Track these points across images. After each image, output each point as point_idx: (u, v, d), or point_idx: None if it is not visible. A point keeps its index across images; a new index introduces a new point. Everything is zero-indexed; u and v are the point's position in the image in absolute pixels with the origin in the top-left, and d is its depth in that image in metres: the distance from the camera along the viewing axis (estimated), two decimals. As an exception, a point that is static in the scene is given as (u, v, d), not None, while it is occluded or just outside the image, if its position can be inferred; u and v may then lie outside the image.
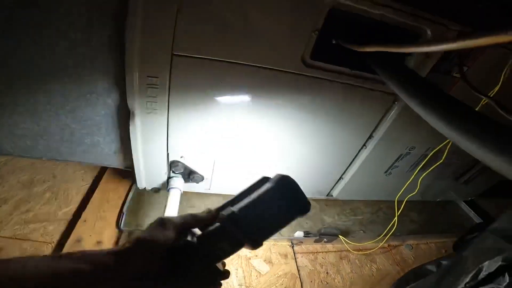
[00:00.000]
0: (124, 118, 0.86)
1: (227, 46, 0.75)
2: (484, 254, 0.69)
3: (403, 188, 1.18)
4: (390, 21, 0.76)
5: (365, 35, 0.79)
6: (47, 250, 0.98)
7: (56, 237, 1.02)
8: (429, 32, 0.79)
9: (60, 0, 0.65)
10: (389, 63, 0.72)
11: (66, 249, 0.96)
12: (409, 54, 0.85)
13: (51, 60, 0.74)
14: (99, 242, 1.00)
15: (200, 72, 0.78)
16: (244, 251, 1.15)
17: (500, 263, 0.64)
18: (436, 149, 1.11)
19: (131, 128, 0.84)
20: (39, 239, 1.00)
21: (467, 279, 0.71)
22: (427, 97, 0.54)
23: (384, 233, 1.25)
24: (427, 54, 0.85)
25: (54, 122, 0.87)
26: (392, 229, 1.23)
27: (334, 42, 0.81)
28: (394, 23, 0.77)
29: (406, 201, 1.21)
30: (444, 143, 1.07)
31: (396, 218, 1.21)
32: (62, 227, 1.06)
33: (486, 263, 0.68)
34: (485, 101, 0.79)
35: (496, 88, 0.86)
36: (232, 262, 1.13)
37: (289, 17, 0.72)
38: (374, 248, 1.36)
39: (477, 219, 1.62)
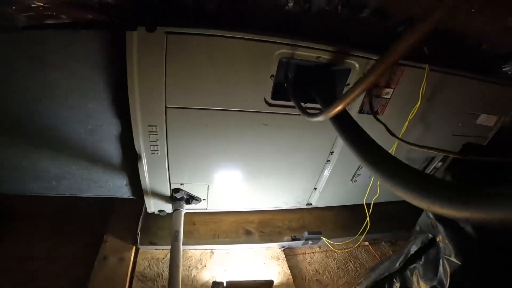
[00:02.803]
0: (132, 157, 1.09)
1: (207, 98, 1.00)
2: (415, 239, 0.90)
3: (367, 193, 1.39)
4: (326, 61, 1.01)
5: (309, 76, 1.03)
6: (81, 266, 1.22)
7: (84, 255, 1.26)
8: (357, 65, 1.03)
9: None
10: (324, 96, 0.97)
11: (97, 265, 1.20)
12: (348, 84, 1.09)
13: (70, 123, 1.00)
14: (121, 259, 1.23)
15: (188, 119, 1.02)
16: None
17: (419, 246, 0.85)
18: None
19: (139, 166, 1.09)
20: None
21: (401, 259, 0.92)
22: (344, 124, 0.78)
23: (359, 232, 1.45)
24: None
25: (76, 165, 1.11)
26: (366, 228, 1.43)
27: (285, 85, 1.07)
28: (329, 63, 1.02)
29: (379, 203, 1.42)
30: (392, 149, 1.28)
31: (368, 218, 1.41)
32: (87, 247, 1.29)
33: (413, 246, 0.90)
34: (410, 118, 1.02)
35: (417, 105, 1.10)
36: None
37: (251, 69, 0.96)
38: (355, 246, 1.56)
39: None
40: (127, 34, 0.83)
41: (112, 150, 1.10)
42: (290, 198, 1.44)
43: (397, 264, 0.93)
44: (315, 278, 1.41)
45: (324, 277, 1.43)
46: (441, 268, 0.73)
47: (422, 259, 0.83)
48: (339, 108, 0.67)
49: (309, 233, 1.43)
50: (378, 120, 1.03)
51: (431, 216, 0.79)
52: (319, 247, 1.56)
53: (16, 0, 0.66)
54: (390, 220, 1.70)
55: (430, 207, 0.45)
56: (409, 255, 0.90)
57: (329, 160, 1.30)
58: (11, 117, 0.96)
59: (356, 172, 1.39)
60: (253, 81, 1.00)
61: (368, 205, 1.40)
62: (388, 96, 1.14)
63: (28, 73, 0.88)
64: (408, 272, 0.86)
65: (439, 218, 0.74)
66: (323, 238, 1.46)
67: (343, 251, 1.55)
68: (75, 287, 1.15)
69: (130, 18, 0.88)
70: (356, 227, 1.58)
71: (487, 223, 0.38)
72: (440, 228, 0.75)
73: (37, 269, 1.20)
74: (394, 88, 1.12)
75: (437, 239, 0.79)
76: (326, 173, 1.34)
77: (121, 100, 0.97)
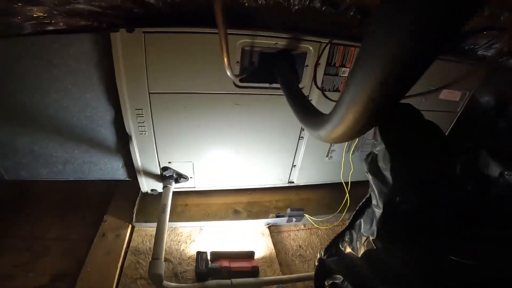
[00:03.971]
0: (125, 141, 1.28)
1: (183, 83, 1.17)
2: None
3: (342, 169, 1.49)
4: (284, 47, 1.17)
5: (271, 60, 1.19)
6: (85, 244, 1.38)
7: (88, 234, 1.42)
8: (311, 48, 1.19)
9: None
10: (283, 76, 1.13)
11: (96, 241, 1.36)
12: (307, 65, 1.24)
13: (72, 111, 1.20)
14: (117, 235, 1.39)
15: (169, 102, 1.20)
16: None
17: (363, 201, 0.95)
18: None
19: (130, 147, 1.27)
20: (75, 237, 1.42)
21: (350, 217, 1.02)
22: (292, 94, 0.94)
23: (339, 209, 1.54)
24: (317, 63, 1.22)
25: (78, 149, 1.31)
26: (346, 205, 1.51)
27: (247, 68, 1.22)
28: (287, 48, 1.17)
29: (361, 181, 1.51)
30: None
31: (347, 195, 1.50)
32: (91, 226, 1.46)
33: (361, 203, 0.99)
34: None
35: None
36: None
37: (219, 57, 1.10)
38: (337, 222, 1.64)
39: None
40: (112, 35, 1.03)
41: (108, 134, 1.29)
42: (272, 175, 1.57)
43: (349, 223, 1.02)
44: (298, 253, 1.51)
45: (307, 252, 1.52)
46: (374, 219, 0.81)
47: (365, 214, 0.90)
48: (225, 60, 0.93)
49: (292, 210, 1.54)
50: (318, 88, 1.18)
51: (365, 169, 0.88)
52: (304, 225, 1.66)
53: (21, 11, 0.87)
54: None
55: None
56: (355, 212, 0.99)
57: (302, 137, 1.43)
58: (25, 109, 1.17)
59: (330, 148, 1.50)
60: (221, 67, 1.16)
61: (347, 182, 1.50)
62: (346, 74, 1.28)
63: (38, 71, 1.10)
64: (355, 227, 0.94)
65: (369, 169, 0.83)
66: (306, 215, 1.56)
67: (327, 227, 1.64)
68: (79, 262, 1.30)
69: (113, 22, 1.08)
70: (339, 206, 1.68)
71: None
72: (370, 180, 0.82)
73: (46, 247, 1.36)
74: (349, 67, 1.26)
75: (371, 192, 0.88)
76: (302, 149, 1.47)
77: (112, 89, 1.16)
